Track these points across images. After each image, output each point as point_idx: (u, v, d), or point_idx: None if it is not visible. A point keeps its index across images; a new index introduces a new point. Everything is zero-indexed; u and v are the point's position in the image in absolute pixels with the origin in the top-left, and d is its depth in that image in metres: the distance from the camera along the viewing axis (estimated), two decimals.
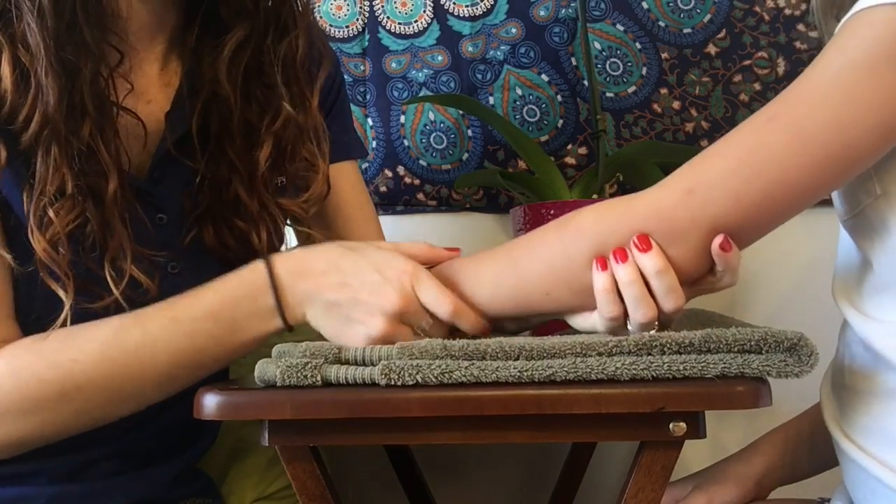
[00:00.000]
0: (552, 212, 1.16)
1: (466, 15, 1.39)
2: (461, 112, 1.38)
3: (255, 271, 0.80)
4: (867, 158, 0.70)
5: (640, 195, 0.73)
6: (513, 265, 0.77)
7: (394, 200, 1.41)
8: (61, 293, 0.79)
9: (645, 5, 1.36)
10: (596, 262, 0.72)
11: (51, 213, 0.78)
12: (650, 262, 0.70)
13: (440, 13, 1.39)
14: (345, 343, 0.77)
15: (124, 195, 0.82)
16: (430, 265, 0.81)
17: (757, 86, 1.36)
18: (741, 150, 0.70)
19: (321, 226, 1.01)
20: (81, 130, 0.79)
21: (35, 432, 0.80)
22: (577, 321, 0.77)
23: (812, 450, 0.93)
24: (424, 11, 1.40)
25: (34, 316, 0.82)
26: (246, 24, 0.88)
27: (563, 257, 0.74)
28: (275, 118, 0.90)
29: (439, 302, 0.76)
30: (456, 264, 0.80)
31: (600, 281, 0.72)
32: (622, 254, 0.71)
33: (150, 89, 0.90)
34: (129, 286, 0.81)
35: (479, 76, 1.39)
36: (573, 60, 1.37)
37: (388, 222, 1.37)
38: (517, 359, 0.68)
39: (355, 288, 0.77)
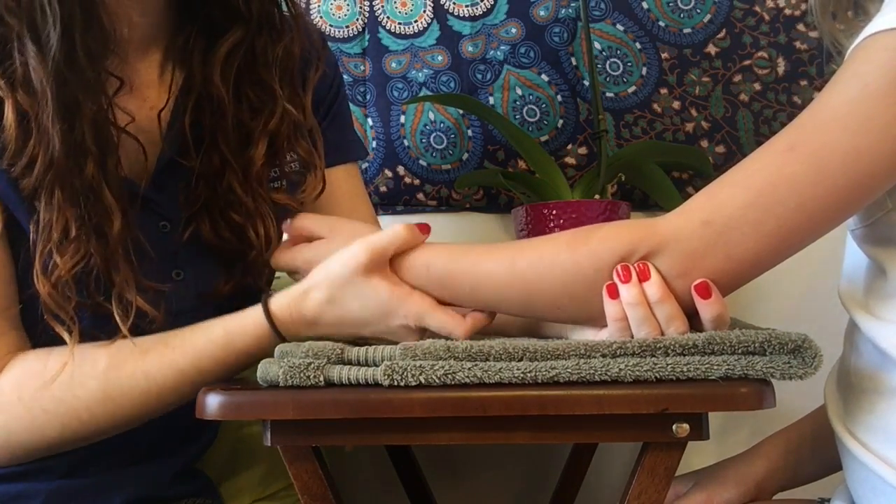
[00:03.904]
0: (554, 212, 1.16)
1: (466, 15, 1.39)
2: (461, 112, 1.38)
3: (256, 323, 0.81)
4: (886, 184, 0.70)
5: (657, 221, 0.73)
6: (521, 282, 0.76)
7: (394, 200, 1.41)
8: (66, 336, 0.79)
9: (645, 5, 1.36)
10: (606, 289, 0.72)
11: (56, 258, 0.78)
12: (650, 291, 0.70)
13: (440, 13, 1.39)
14: None
15: (129, 229, 0.82)
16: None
17: (757, 86, 1.36)
18: (759, 181, 0.70)
19: None
20: (85, 171, 0.79)
21: (44, 452, 0.82)
22: (586, 336, 0.77)
23: (815, 452, 0.93)
24: (424, 11, 1.39)
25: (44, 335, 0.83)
26: (240, 26, 0.89)
27: (576, 276, 0.74)
28: (270, 116, 0.90)
29: (451, 334, 0.77)
30: (463, 267, 0.79)
31: (612, 310, 0.72)
32: (626, 273, 0.71)
33: (150, 95, 0.90)
34: (136, 316, 0.81)
35: (479, 76, 1.39)
36: (573, 60, 1.37)
37: (388, 222, 1.36)
38: (520, 360, 0.68)
39: (365, 335, 0.80)
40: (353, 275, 0.78)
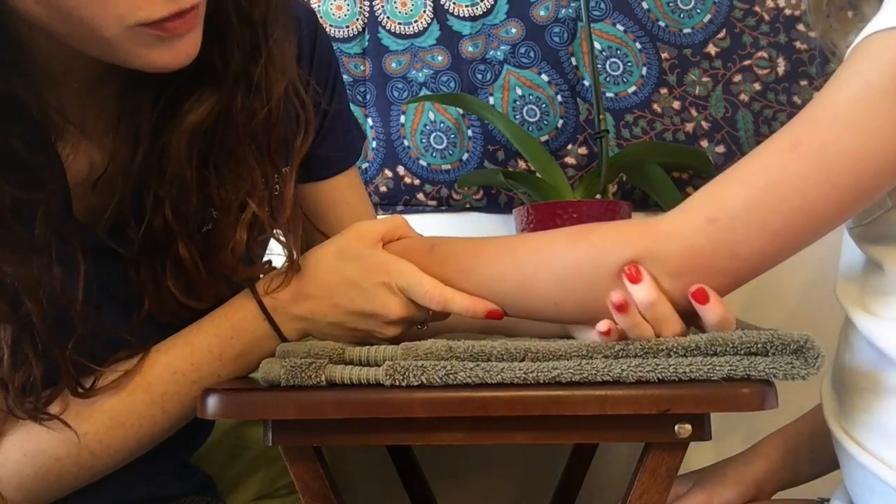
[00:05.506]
0: (557, 212, 1.16)
1: (466, 15, 1.39)
2: (461, 112, 1.38)
3: (244, 307, 0.81)
4: (889, 183, 0.69)
5: (660, 219, 0.72)
6: (519, 272, 0.76)
7: (394, 200, 1.41)
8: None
9: (645, 5, 1.36)
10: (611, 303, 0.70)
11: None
12: (641, 293, 0.69)
13: (440, 13, 1.39)
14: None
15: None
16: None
17: (757, 86, 1.36)
18: (763, 179, 0.69)
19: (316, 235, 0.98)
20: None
21: (58, 496, 0.79)
22: (588, 336, 0.76)
23: (813, 452, 0.93)
24: (424, 11, 1.40)
25: None
26: (213, 89, 0.77)
27: (575, 273, 0.73)
28: (242, 203, 0.80)
29: (428, 299, 0.77)
30: (466, 251, 0.80)
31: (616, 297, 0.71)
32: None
33: (104, 149, 0.82)
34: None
35: (479, 76, 1.39)
36: (573, 60, 1.37)
37: None
38: (522, 360, 0.68)
39: (348, 306, 0.79)
40: (343, 245, 0.81)
